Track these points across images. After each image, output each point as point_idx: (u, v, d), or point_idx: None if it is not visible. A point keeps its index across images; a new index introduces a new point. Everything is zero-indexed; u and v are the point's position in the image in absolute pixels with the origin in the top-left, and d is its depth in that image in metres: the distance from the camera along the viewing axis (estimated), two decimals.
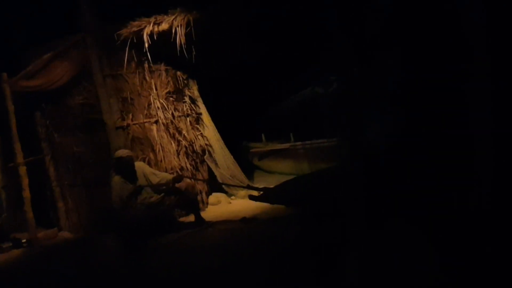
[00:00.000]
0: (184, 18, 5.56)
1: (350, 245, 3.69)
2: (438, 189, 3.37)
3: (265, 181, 7.97)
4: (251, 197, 5.77)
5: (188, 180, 6.06)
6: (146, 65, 6.36)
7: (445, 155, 3.44)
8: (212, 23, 5.47)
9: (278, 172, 8.75)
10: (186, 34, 5.57)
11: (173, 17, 5.66)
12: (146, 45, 5.74)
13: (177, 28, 5.56)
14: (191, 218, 6.01)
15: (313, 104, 8.95)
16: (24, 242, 6.31)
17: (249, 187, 5.96)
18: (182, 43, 5.56)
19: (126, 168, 5.57)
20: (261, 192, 6.22)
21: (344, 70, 5.03)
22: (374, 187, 3.88)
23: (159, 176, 5.75)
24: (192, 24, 5.42)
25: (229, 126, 7.80)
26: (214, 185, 7.14)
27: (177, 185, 5.70)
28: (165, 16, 5.81)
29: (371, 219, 3.77)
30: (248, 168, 8.45)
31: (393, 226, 3.59)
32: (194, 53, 5.80)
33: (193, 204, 5.88)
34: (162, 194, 5.64)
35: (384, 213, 3.66)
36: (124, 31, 5.94)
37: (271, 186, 6.18)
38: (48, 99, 6.58)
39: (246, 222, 5.54)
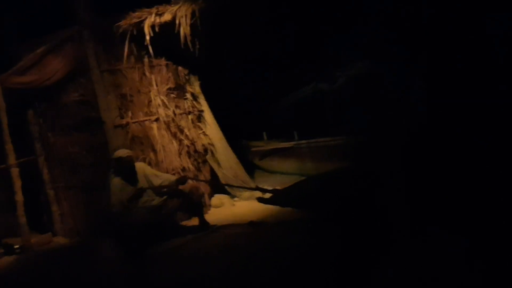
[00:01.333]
0: (188, 8, 5.22)
1: (376, 254, 3.40)
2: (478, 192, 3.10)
3: (266, 182, 7.71)
4: (260, 200, 5.46)
5: (192, 181, 5.72)
6: (146, 60, 6.01)
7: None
8: (218, 13, 5.13)
9: (280, 172, 8.46)
10: (190, 26, 5.21)
11: (177, 7, 5.32)
12: (148, 37, 5.38)
13: (181, 19, 5.21)
14: (194, 221, 5.68)
15: (317, 101, 8.69)
16: (16, 248, 5.97)
17: (258, 189, 5.64)
18: (187, 35, 5.21)
19: (126, 169, 5.23)
20: (266, 194, 5.95)
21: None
22: (402, 189, 3.60)
23: (162, 178, 5.42)
24: (197, 15, 5.08)
25: (229, 124, 7.49)
26: (217, 186, 6.81)
27: (180, 187, 5.37)
28: (168, 6, 5.46)
29: (398, 225, 3.48)
30: (248, 168, 8.14)
31: (423, 232, 3.31)
32: (198, 46, 5.45)
33: (198, 207, 5.54)
34: (165, 197, 5.31)
35: (414, 218, 3.38)
36: (123, 23, 5.59)
37: (279, 187, 5.87)
38: (42, 96, 6.23)
39: (254, 226, 5.23)
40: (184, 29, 5.20)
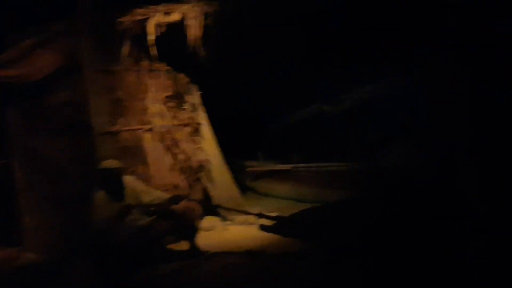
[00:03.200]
0: (202, 9, 4.70)
1: None
2: None
3: (259, 205, 7.16)
4: (263, 227, 4.90)
5: (186, 201, 5.12)
6: (145, 63, 5.46)
7: None
8: (232, 19, 4.63)
9: (274, 196, 7.93)
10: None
11: (189, 6, 4.79)
12: (153, 37, 4.81)
13: (192, 21, 4.69)
14: (183, 245, 5.06)
15: (319, 123, 8.23)
16: None
17: (260, 215, 5.06)
18: (196, 38, 4.69)
19: (113, 183, 4.66)
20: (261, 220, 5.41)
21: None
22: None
23: (153, 195, 4.84)
24: (210, 18, 4.57)
25: (223, 140, 6.95)
26: (209, 207, 6.22)
27: (173, 207, 4.78)
28: (178, 5, 4.93)
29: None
30: (240, 189, 7.59)
31: None
32: (205, 52, 4.93)
33: (191, 231, 4.94)
34: (154, 217, 4.71)
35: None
36: (126, 19, 5.04)
37: (283, 215, 5.31)
38: (24, 94, 5.55)
39: (252, 256, 4.67)
40: (194, 32, 4.67)
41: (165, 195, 4.90)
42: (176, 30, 4.82)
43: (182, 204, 4.86)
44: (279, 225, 4.79)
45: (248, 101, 8.28)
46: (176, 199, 4.79)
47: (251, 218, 6.22)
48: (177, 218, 4.77)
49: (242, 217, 6.26)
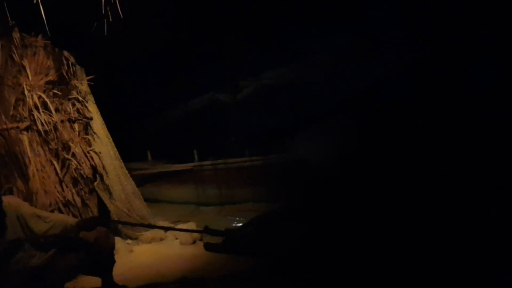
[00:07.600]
0: None
1: None
2: None
3: (158, 214, 6.01)
4: (208, 247, 3.83)
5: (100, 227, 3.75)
6: (16, 35, 3.87)
7: None
8: None
9: (168, 201, 6.84)
10: None
11: None
12: None
13: None
14: (87, 282, 3.80)
15: (215, 114, 7.31)
16: None
17: (206, 231, 3.92)
18: None
19: None
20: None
21: None
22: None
23: (49, 221, 3.36)
24: None
25: None
26: (107, 224, 4.86)
27: (82, 234, 3.40)
28: None
29: None
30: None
31: None
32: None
33: (107, 265, 3.62)
34: (53, 251, 3.31)
35: None
36: None
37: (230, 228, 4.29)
38: None
39: (190, 286, 3.57)
40: None
41: (71, 220, 3.49)
42: None
43: (97, 229, 3.51)
44: (227, 243, 3.74)
45: (131, 91, 6.97)
46: (89, 224, 3.42)
47: (160, 233, 5.10)
48: (88, 249, 3.42)
49: (149, 234, 5.10)
